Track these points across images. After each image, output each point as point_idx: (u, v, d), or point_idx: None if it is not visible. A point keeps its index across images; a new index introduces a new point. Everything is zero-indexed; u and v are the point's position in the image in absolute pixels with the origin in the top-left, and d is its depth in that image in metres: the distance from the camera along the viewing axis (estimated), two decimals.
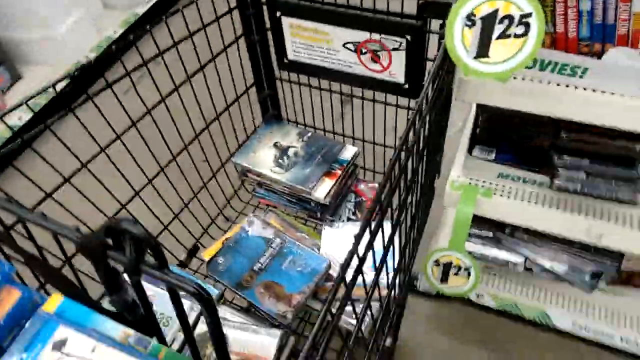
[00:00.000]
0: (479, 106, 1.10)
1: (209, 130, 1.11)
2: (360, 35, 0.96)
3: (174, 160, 1.05)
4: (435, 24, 0.91)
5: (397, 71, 0.99)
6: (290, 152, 1.17)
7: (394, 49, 0.95)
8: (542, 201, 1.10)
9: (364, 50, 0.99)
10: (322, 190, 1.11)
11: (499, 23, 0.73)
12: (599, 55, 0.85)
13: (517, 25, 0.72)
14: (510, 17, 0.72)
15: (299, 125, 1.27)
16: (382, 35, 0.94)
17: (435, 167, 1.16)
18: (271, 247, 1.06)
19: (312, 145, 1.18)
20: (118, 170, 0.96)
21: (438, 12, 0.86)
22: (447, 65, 0.83)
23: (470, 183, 1.17)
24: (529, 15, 0.71)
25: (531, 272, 1.26)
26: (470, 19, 0.74)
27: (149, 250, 0.37)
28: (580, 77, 0.87)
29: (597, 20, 0.82)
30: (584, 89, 0.88)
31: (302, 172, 1.12)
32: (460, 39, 0.77)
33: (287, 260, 1.03)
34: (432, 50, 0.89)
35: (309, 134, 1.20)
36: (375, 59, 0.99)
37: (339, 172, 1.13)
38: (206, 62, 1.03)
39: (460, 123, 1.07)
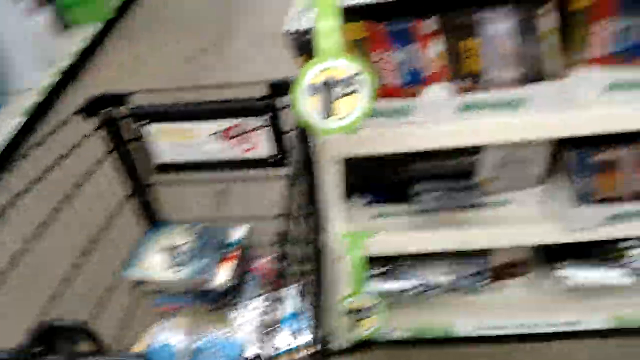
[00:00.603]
0: (344, 159, 1.24)
1: (95, 249, 1.08)
2: (224, 124, 1.05)
3: (61, 289, 0.99)
4: None
5: (264, 147, 1.09)
6: (182, 249, 1.18)
7: (257, 128, 1.05)
8: (415, 227, 1.24)
9: (230, 136, 1.08)
10: (221, 276, 1.13)
11: (336, 86, 0.87)
12: (418, 94, 1.04)
13: (351, 85, 0.87)
14: (344, 80, 0.86)
15: (185, 222, 1.29)
16: (243, 119, 1.04)
17: (319, 222, 1.25)
18: (184, 350, 1.04)
19: (203, 236, 1.20)
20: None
21: (288, 89, 1.00)
22: (305, 131, 0.95)
23: (354, 230, 1.28)
24: (358, 74, 0.86)
25: (426, 292, 1.39)
26: (311, 89, 0.87)
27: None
28: (407, 115, 1.04)
29: (411, 68, 1.01)
30: (413, 124, 1.05)
31: (198, 266, 1.14)
32: (307, 107, 0.89)
33: (203, 357, 1.02)
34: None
35: (197, 227, 1.23)
36: (242, 140, 1.08)
37: (234, 254, 1.16)
38: (74, 187, 1.02)
39: (333, 178, 1.18)
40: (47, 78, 2.97)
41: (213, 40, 3.43)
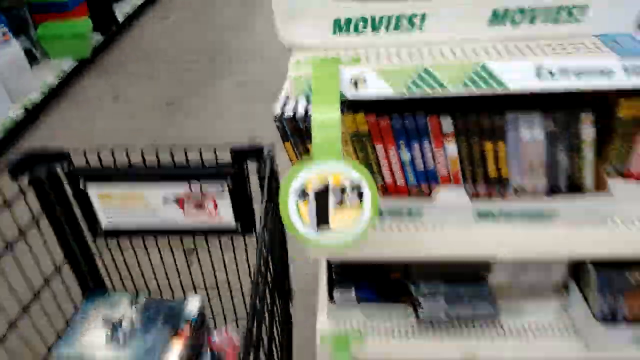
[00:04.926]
0: None
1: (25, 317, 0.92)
2: (178, 188, 0.92)
3: None
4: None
5: (225, 213, 0.96)
6: (124, 324, 1.02)
7: (217, 194, 0.93)
8: (412, 333, 1.09)
9: (186, 201, 0.95)
10: (173, 356, 0.97)
11: (333, 194, 0.72)
12: (429, 194, 0.89)
13: (350, 194, 0.72)
14: (342, 188, 0.71)
15: (129, 292, 1.13)
16: (202, 183, 0.92)
17: (287, 294, 1.10)
18: None
19: (149, 309, 1.04)
20: None
21: (253, 157, 0.88)
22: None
23: (337, 328, 1.12)
24: (359, 183, 0.71)
25: None
26: (303, 193, 0.72)
27: None
28: (419, 217, 0.90)
29: (419, 168, 0.86)
30: (424, 228, 0.90)
31: (143, 343, 0.98)
32: (295, 213, 0.74)
33: None
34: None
35: (143, 298, 1.07)
36: (200, 207, 0.95)
37: (186, 330, 1.00)
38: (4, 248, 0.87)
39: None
40: (11, 111, 2.69)
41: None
